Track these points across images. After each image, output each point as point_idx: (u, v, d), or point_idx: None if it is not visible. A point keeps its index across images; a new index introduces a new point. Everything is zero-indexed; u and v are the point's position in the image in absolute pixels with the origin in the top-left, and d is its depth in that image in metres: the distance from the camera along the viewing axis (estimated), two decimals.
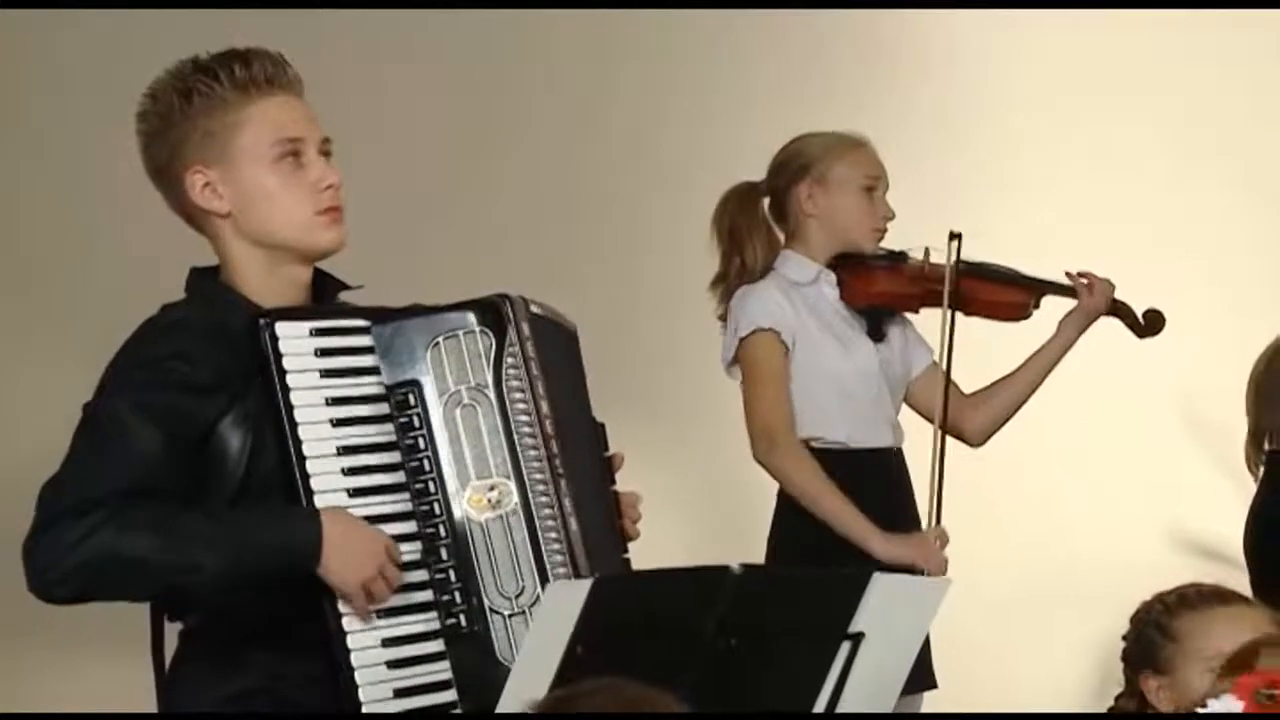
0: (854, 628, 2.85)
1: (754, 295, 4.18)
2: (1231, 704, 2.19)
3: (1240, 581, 4.40)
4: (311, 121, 2.98)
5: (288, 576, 2.80)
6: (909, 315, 4.35)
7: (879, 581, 2.88)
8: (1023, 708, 5.75)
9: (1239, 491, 5.37)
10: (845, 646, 2.85)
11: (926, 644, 4.00)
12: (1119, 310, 4.37)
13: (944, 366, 4.20)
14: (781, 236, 4.30)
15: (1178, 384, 5.86)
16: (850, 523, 4.10)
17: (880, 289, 4.25)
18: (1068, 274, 4.31)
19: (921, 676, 3.99)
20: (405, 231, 5.41)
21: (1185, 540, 5.90)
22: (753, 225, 4.26)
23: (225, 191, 2.93)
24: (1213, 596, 3.00)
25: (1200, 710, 2.22)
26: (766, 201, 4.30)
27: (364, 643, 2.83)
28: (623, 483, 3.16)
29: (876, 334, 4.25)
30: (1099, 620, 5.75)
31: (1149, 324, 4.40)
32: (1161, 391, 5.88)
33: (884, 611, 2.87)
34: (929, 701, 4.24)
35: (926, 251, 4.25)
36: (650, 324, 5.65)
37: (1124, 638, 3.10)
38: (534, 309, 3.01)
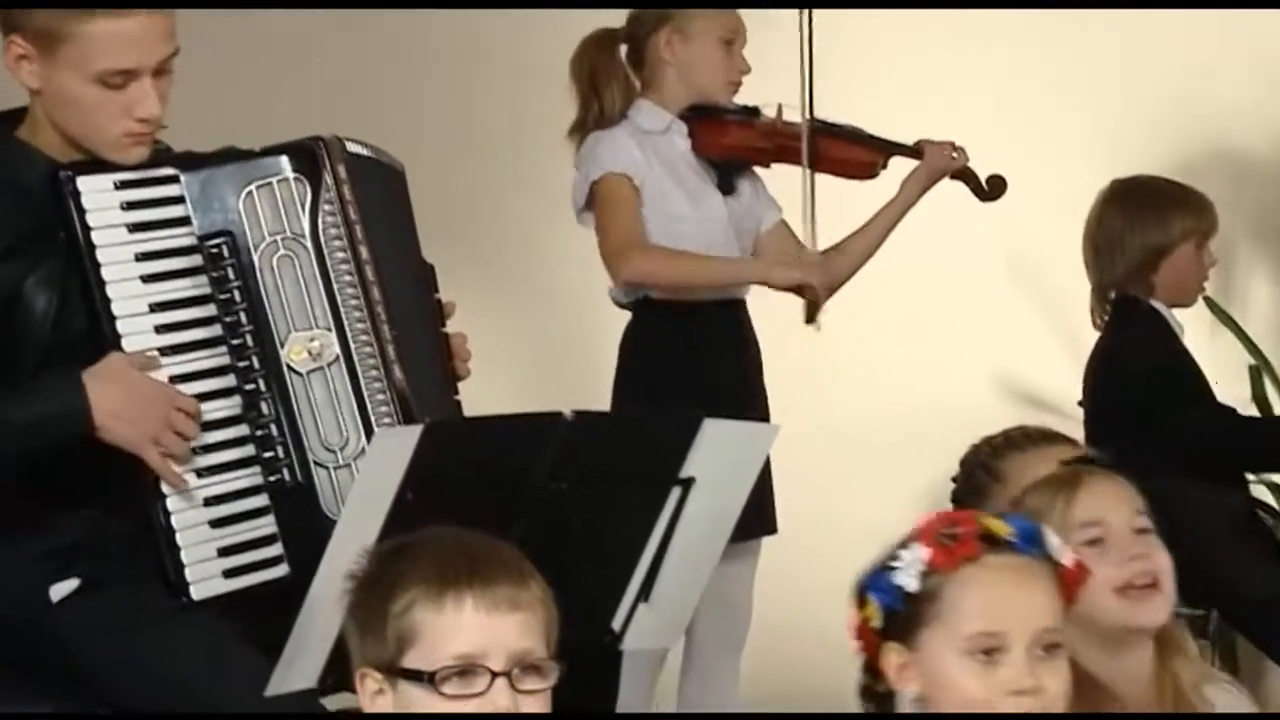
0: (685, 473, 2.86)
1: (605, 140, 4.15)
2: (919, 551, 2.20)
3: (1067, 429, 4.47)
4: (158, 42, 2.79)
5: (64, 447, 2.73)
6: (759, 171, 4.34)
7: (709, 427, 2.88)
8: (861, 554, 5.82)
9: (1067, 343, 5.46)
10: (676, 491, 2.86)
11: (769, 490, 4.02)
12: (963, 174, 4.39)
13: (808, 207, 4.18)
14: (638, 84, 4.26)
15: (1010, 240, 5.91)
16: (741, 270, 4.12)
17: (732, 141, 4.23)
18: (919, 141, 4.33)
19: (762, 522, 4.01)
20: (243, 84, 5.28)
21: (1016, 390, 5.98)
22: (611, 71, 4.21)
23: (39, 76, 2.79)
24: (1038, 438, 3.03)
25: (891, 563, 2.22)
26: (625, 48, 4.26)
27: (184, 502, 2.79)
28: (458, 327, 3.12)
29: (726, 187, 4.23)
30: (936, 467, 5.84)
31: (992, 188, 4.43)
32: (994, 247, 5.93)
33: (714, 457, 2.87)
34: (769, 547, 4.26)
35: (779, 108, 4.24)
36: (489, 166, 5.58)
37: (953, 479, 3.13)
38: (352, 148, 2.93)
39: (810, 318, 4.18)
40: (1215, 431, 4.29)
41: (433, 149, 5.05)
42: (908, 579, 2.18)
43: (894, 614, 2.19)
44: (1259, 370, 5.94)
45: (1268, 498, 5.79)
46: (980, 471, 3.03)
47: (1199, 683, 2.55)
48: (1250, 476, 4.98)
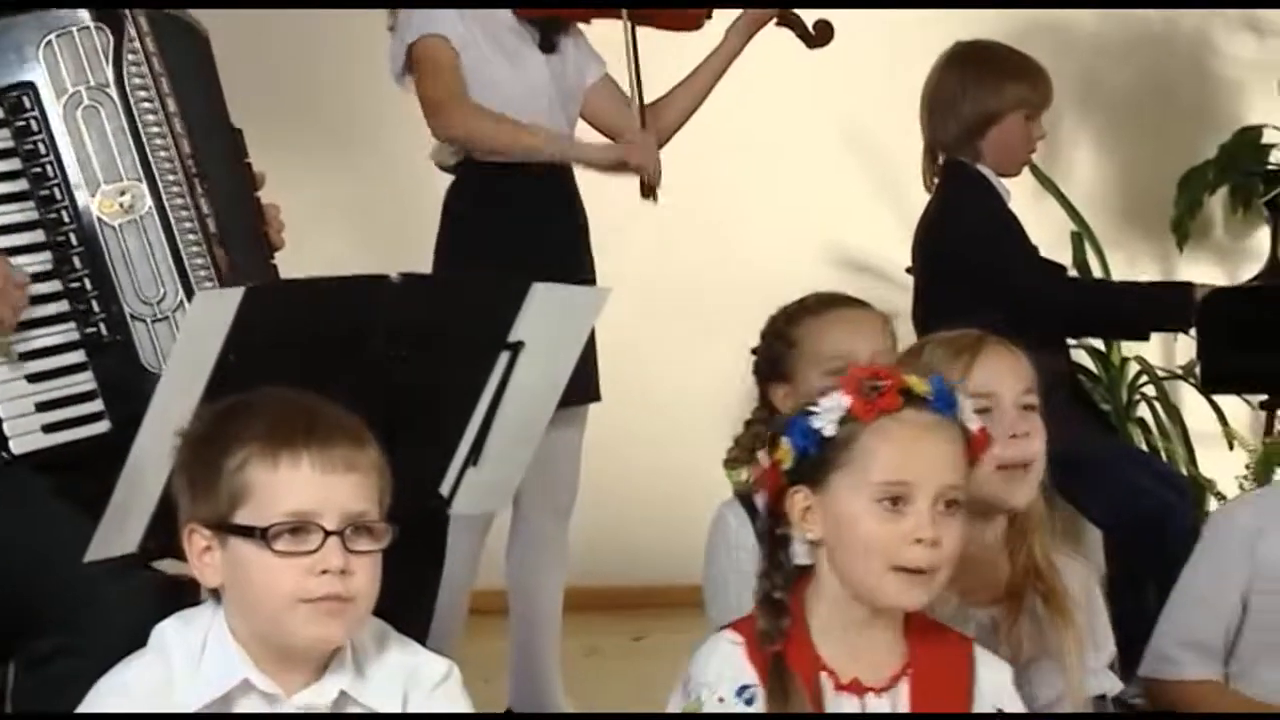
0: (513, 336, 2.83)
1: (422, 5, 4.06)
2: (840, 399, 2.23)
3: (893, 295, 4.50)
4: None
5: None
6: (581, 26, 4.27)
7: (538, 291, 2.85)
8: (688, 422, 5.86)
9: (894, 207, 5.49)
10: (504, 356, 2.83)
11: (592, 356, 4.00)
12: (788, 20, 4.36)
13: (630, 61, 4.12)
14: None
15: (839, 105, 5.92)
16: (565, 149, 4.07)
17: None
18: None
19: (586, 388, 4.00)
20: None
21: (845, 256, 6.01)
22: None
23: None
24: (830, 301, 3.05)
25: (811, 409, 2.25)
26: None
27: None
28: (272, 196, 3.06)
29: (547, 45, 4.16)
30: (759, 333, 5.89)
31: (819, 34, 4.41)
32: (823, 112, 5.94)
33: (543, 320, 2.85)
34: (595, 414, 4.26)
35: None
36: (302, 31, 5.48)
37: (753, 352, 3.12)
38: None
39: (647, 193, 4.15)
40: (1047, 293, 4.34)
41: (248, 14, 4.94)
42: (826, 424, 2.22)
43: (806, 457, 2.23)
44: (1080, 237, 6.02)
45: (1087, 362, 5.90)
46: (776, 340, 3.04)
47: (1050, 556, 2.60)
48: (1070, 340, 5.06)
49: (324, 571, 2.12)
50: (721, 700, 2.20)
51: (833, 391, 2.24)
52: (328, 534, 2.13)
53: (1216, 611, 3.07)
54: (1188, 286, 4.47)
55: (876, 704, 2.21)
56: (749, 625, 2.23)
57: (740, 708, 2.19)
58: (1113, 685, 2.71)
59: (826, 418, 2.22)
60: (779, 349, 3.02)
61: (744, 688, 2.20)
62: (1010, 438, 2.57)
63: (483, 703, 3.78)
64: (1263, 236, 5.98)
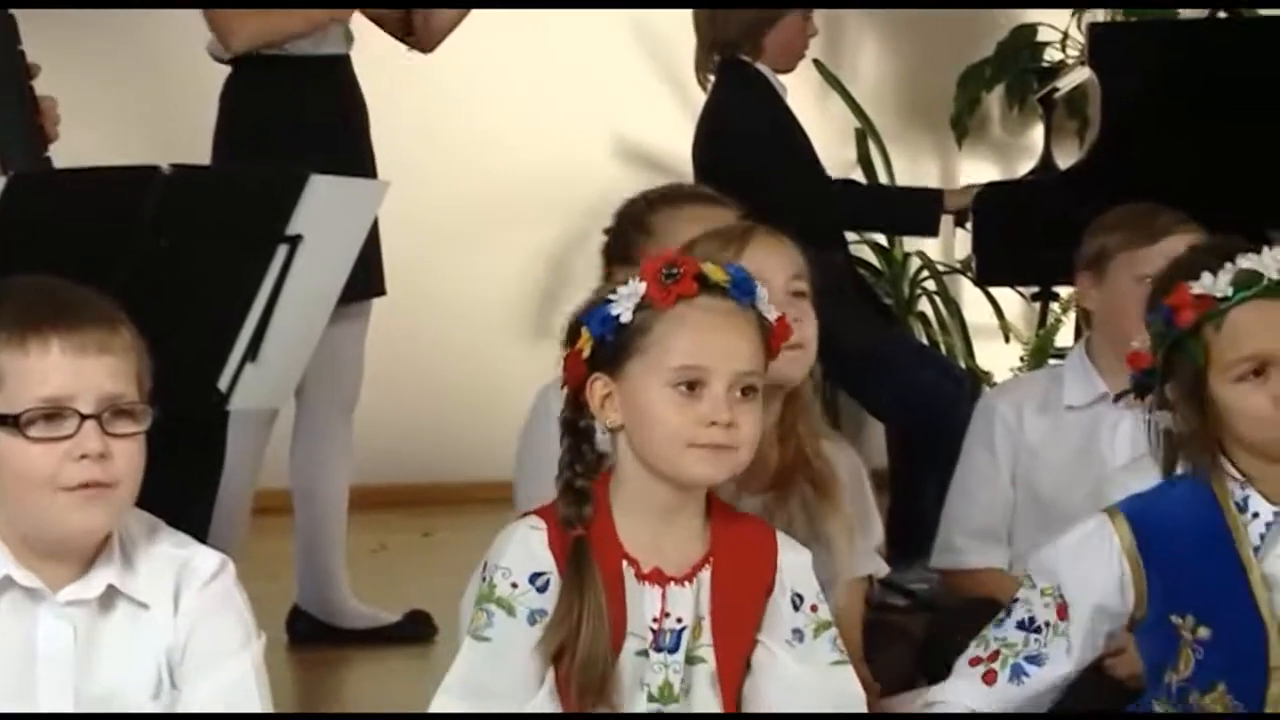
0: (291, 230, 2.80)
1: None
2: (637, 286, 2.24)
3: None
4: None
5: None
6: None
7: (316, 184, 2.82)
8: (474, 319, 5.86)
9: (681, 102, 5.50)
10: (282, 249, 2.80)
11: (376, 251, 3.97)
12: None
13: None
14: None
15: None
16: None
17: None
18: None
19: (369, 283, 3.97)
20: None
21: (629, 150, 6.02)
22: None
23: None
24: (692, 196, 3.04)
25: (609, 297, 2.26)
26: None
27: None
28: (48, 88, 2.98)
29: None
30: (553, 227, 5.90)
31: None
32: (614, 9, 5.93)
33: (321, 214, 2.82)
34: (380, 309, 4.23)
35: None
36: None
37: (605, 232, 3.11)
38: None
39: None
40: (818, 194, 4.39)
41: None
42: (623, 310, 2.21)
43: (604, 345, 2.23)
44: (864, 133, 6.09)
45: (870, 257, 5.99)
46: (631, 226, 3.02)
47: (817, 441, 2.64)
48: (853, 236, 5.13)
49: (82, 457, 2.07)
50: (515, 586, 2.19)
51: (631, 279, 2.24)
52: (83, 418, 2.09)
53: (991, 497, 3.16)
54: (938, 194, 4.57)
55: (678, 593, 2.22)
56: (551, 512, 2.23)
57: (533, 594, 2.19)
58: (879, 568, 2.77)
59: (624, 304, 2.22)
60: (634, 235, 3.00)
61: (538, 574, 2.20)
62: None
63: (269, 601, 3.76)
64: (1038, 133, 6.10)
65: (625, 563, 2.22)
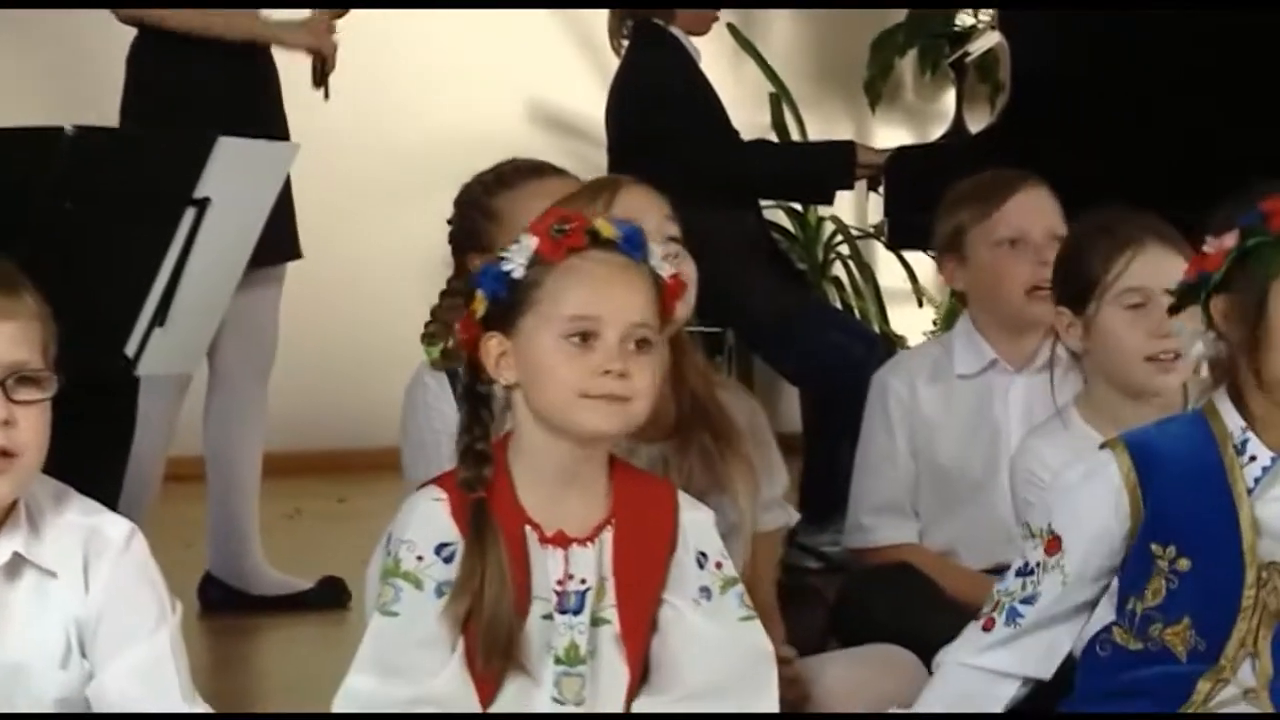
0: (199, 192, 2.78)
1: None
2: (529, 242, 2.24)
3: (599, 155, 4.51)
4: None
5: None
6: None
7: (225, 145, 2.80)
8: (389, 285, 5.83)
9: (594, 65, 5.49)
10: (190, 212, 2.78)
11: (289, 215, 3.94)
12: None
13: None
14: None
15: None
16: (252, 28, 3.94)
17: None
18: None
19: (283, 247, 3.94)
20: None
21: (543, 113, 6.00)
22: None
23: None
24: (528, 172, 3.01)
25: (502, 254, 2.25)
26: None
27: None
28: None
29: None
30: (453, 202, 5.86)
31: None
32: None
33: (231, 176, 2.81)
34: (295, 276, 4.20)
35: None
36: None
37: (449, 222, 3.08)
38: None
39: (318, 82, 4.09)
40: (730, 154, 4.39)
41: None
42: (515, 266, 2.21)
43: (498, 302, 2.22)
44: (778, 98, 6.10)
45: (785, 221, 6.00)
46: (474, 210, 2.98)
47: (712, 388, 2.64)
48: (767, 201, 5.13)
49: None
50: (421, 559, 2.17)
51: (524, 236, 2.24)
52: None
53: (894, 471, 3.16)
54: (850, 144, 4.57)
55: (581, 554, 2.21)
56: (451, 481, 2.20)
57: (439, 565, 2.17)
58: (789, 518, 2.75)
59: (515, 260, 2.21)
60: (477, 220, 2.96)
61: (443, 545, 2.17)
62: None
63: (182, 568, 3.75)
64: (950, 97, 6.13)
65: (528, 527, 2.21)
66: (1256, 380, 2.21)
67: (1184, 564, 2.23)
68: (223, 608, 4.04)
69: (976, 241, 3.08)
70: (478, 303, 2.23)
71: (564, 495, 2.23)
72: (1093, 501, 2.26)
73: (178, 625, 2.16)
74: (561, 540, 2.22)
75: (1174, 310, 2.31)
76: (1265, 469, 2.21)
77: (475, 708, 2.17)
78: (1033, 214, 3.05)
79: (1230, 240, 2.20)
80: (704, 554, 2.25)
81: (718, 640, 2.23)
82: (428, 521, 2.19)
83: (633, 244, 2.24)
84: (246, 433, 4.10)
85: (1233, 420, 2.23)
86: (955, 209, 3.12)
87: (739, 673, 2.23)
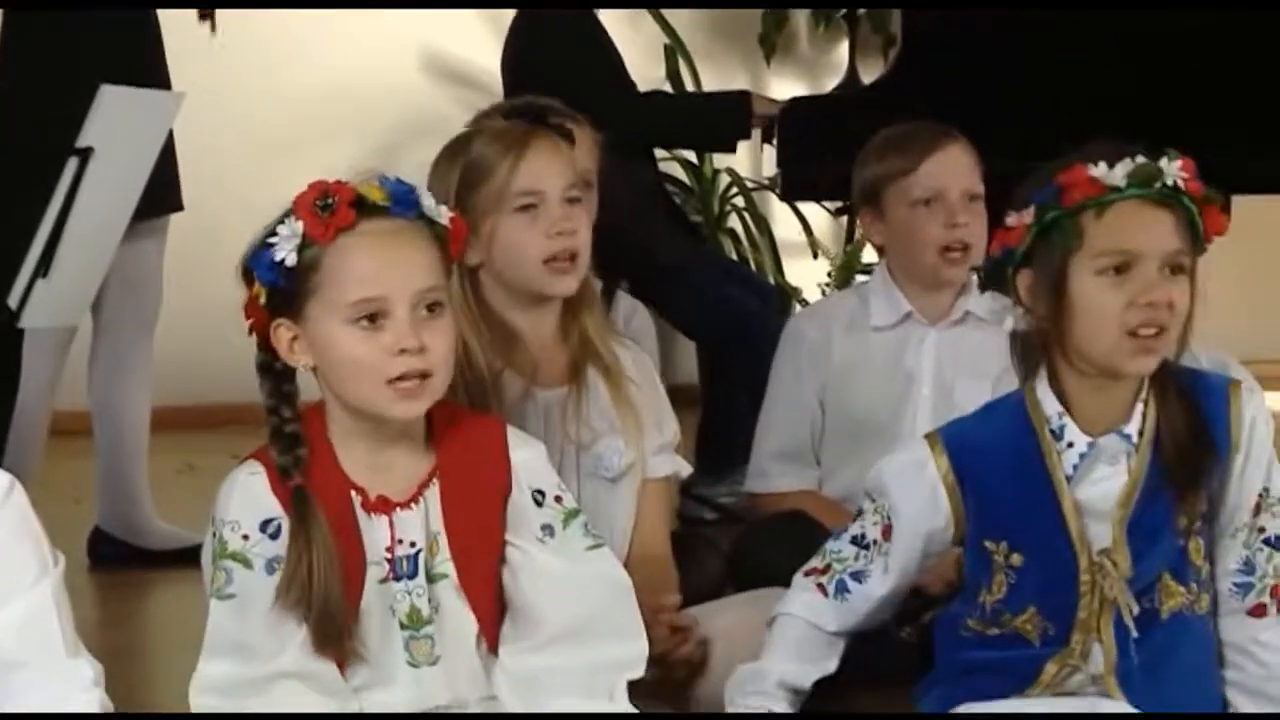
0: (81, 142, 2.74)
1: None
2: (294, 225, 2.09)
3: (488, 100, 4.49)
4: None
5: None
6: None
7: (108, 94, 2.76)
8: None
9: (489, 15, 5.46)
10: (73, 162, 2.74)
11: (173, 166, 3.89)
12: None
13: None
14: None
15: None
16: None
17: None
18: None
19: (167, 198, 3.89)
20: None
21: (437, 63, 5.96)
22: None
23: None
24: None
25: (269, 239, 2.09)
26: None
27: None
28: None
29: None
30: (352, 143, 5.82)
31: None
32: None
33: (114, 126, 2.77)
34: (178, 225, 4.14)
35: None
36: None
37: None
38: None
39: (203, 14, 4.02)
40: (624, 103, 4.37)
41: None
42: (285, 253, 2.10)
43: (278, 290, 2.12)
44: (673, 50, 6.08)
45: (680, 173, 5.99)
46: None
47: (604, 336, 2.63)
48: (662, 153, 5.13)
49: None
50: (246, 538, 2.10)
51: (287, 217, 2.12)
52: None
53: (799, 419, 3.18)
54: (745, 93, 4.56)
55: (405, 517, 2.16)
56: (267, 454, 2.13)
57: (266, 542, 2.11)
58: (680, 467, 2.76)
59: (284, 247, 2.10)
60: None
61: (268, 521, 2.11)
62: (557, 234, 2.56)
63: (70, 524, 3.71)
64: (844, 49, 6.14)
65: (352, 492, 2.15)
66: (1063, 354, 2.22)
67: (1017, 559, 2.26)
68: (113, 562, 4.00)
69: (893, 198, 3.09)
70: (257, 289, 2.13)
71: (386, 455, 2.17)
72: (915, 500, 2.29)
73: (60, 578, 2.09)
74: (384, 506, 2.16)
75: (984, 287, 2.35)
76: (1083, 455, 2.23)
77: (336, 677, 2.13)
78: (950, 174, 3.05)
79: (1028, 216, 2.22)
80: (540, 491, 2.21)
81: (569, 575, 2.20)
82: (248, 498, 2.13)
83: (404, 204, 2.14)
84: (133, 386, 4.05)
85: (1050, 405, 2.24)
86: (874, 163, 3.12)
87: (599, 609, 2.20)
